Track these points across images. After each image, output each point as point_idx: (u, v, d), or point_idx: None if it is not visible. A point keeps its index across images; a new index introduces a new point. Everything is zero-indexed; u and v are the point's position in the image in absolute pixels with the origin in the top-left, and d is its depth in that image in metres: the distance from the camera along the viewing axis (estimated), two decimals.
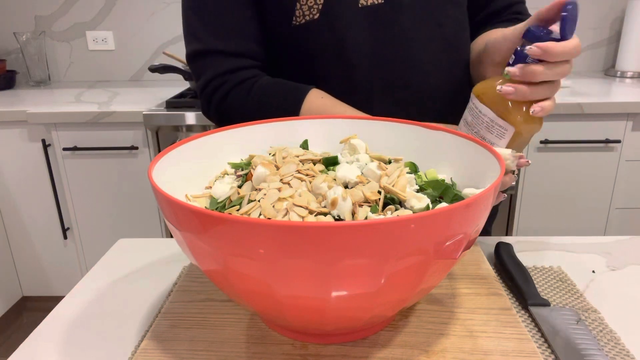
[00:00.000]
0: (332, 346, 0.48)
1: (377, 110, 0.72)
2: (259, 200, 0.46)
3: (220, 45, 0.73)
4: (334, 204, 0.45)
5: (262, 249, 0.37)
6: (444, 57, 0.74)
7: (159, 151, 1.70)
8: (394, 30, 0.72)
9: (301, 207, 0.45)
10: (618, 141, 1.65)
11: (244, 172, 0.56)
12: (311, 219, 0.44)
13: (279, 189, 0.47)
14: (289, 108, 0.70)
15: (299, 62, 0.75)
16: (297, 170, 0.51)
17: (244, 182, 0.54)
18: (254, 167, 0.53)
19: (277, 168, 0.52)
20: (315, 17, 0.71)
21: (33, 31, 2.17)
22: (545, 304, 0.55)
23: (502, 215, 1.75)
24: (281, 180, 0.50)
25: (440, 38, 0.73)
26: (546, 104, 0.55)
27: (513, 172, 0.55)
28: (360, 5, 0.71)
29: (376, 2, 0.71)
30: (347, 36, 0.71)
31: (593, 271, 0.64)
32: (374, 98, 0.74)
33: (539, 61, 0.53)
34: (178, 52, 1.98)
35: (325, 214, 0.45)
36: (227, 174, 0.57)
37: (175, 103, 1.68)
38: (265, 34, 0.75)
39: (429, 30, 0.72)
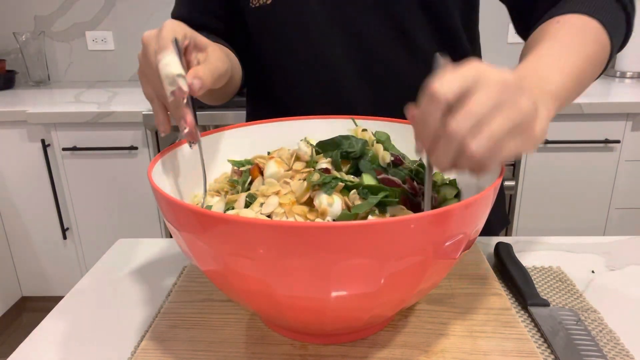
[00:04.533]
0: (331, 346, 0.48)
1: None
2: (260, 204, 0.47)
3: (182, 12, 0.78)
4: (324, 214, 0.45)
5: (262, 249, 0.37)
6: (400, 47, 0.71)
7: (159, 151, 1.70)
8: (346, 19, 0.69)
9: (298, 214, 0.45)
10: (617, 141, 1.65)
11: (245, 168, 0.56)
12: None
13: (277, 193, 0.48)
14: None
15: (261, 45, 0.76)
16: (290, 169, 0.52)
17: (246, 179, 0.54)
18: (261, 165, 0.53)
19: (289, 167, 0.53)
20: (268, 1, 0.71)
21: (32, 31, 2.17)
22: (545, 304, 0.55)
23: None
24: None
25: (393, 27, 0.70)
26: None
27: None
28: None
29: None
30: (293, 22, 0.70)
31: (592, 271, 0.64)
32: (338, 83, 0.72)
33: None
34: None
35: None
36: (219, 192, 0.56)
37: None
38: (234, 14, 0.77)
39: (381, 20, 0.70)
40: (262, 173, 0.54)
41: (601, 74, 0.61)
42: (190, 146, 0.52)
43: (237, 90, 0.78)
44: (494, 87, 0.35)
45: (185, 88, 0.47)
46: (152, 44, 0.49)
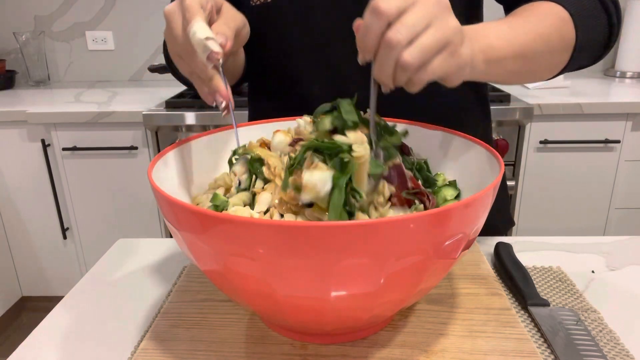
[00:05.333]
0: (331, 346, 0.48)
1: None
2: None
3: None
4: (310, 189, 0.42)
5: (262, 249, 0.37)
6: None
7: (159, 151, 1.70)
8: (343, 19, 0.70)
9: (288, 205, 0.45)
10: (617, 141, 1.65)
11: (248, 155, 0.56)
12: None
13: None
14: None
15: (262, 43, 0.75)
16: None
17: (253, 159, 0.53)
18: (267, 141, 0.53)
19: (294, 140, 0.52)
20: (269, 0, 0.70)
21: (32, 31, 2.17)
22: (545, 304, 0.55)
23: None
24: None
25: None
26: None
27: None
28: None
29: None
30: (291, 22, 0.70)
31: (592, 271, 0.64)
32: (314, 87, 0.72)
33: None
34: None
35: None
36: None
37: (175, 103, 1.68)
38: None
39: None
40: (269, 148, 0.54)
41: (568, 68, 0.62)
42: (223, 115, 0.52)
43: (241, 76, 0.77)
44: (429, 5, 0.40)
45: (216, 48, 0.47)
46: (176, 18, 0.49)
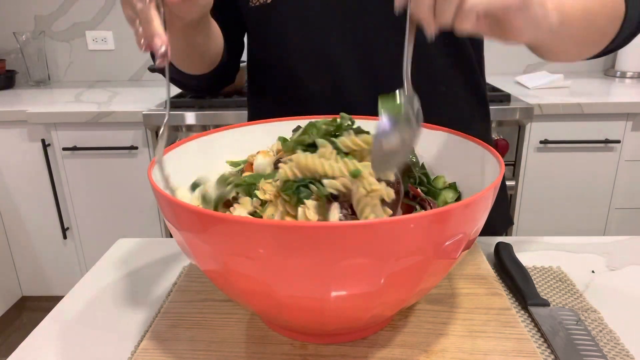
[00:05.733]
0: (331, 346, 0.48)
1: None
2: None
3: None
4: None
5: (262, 249, 0.37)
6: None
7: None
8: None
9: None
10: (617, 141, 1.65)
11: (239, 167, 0.56)
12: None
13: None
14: None
15: (261, 44, 0.76)
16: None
17: (242, 184, 0.54)
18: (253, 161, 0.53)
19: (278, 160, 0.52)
20: (268, 1, 0.70)
21: (33, 31, 2.17)
22: (545, 304, 0.55)
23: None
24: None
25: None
26: None
27: None
28: None
29: None
30: (291, 25, 0.70)
31: (592, 271, 0.64)
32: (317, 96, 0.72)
33: None
34: None
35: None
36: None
37: (175, 103, 1.68)
38: (229, 11, 0.76)
39: (384, 19, 0.69)
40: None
41: (616, 41, 0.62)
42: (157, 63, 0.49)
43: (219, 64, 0.76)
44: None
45: None
46: None
